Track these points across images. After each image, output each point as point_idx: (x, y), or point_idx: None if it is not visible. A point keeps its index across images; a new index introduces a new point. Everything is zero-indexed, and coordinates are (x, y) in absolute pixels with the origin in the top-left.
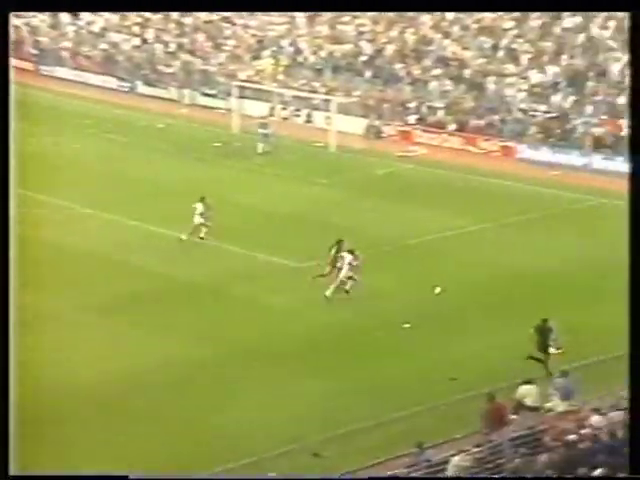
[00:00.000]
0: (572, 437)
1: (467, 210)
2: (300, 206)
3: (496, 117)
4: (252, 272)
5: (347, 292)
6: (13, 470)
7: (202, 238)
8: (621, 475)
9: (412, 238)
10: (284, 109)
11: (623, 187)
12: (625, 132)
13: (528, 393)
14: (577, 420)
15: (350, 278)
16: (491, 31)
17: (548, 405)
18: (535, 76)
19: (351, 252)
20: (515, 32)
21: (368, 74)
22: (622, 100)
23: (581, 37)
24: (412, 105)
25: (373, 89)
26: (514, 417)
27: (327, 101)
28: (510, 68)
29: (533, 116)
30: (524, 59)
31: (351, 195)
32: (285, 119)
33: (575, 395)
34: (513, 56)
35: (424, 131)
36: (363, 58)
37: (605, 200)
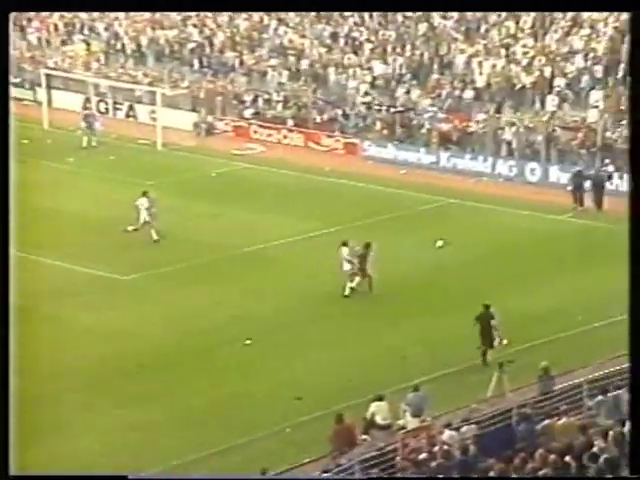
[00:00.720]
0: (423, 456)
1: (312, 213)
2: (121, 211)
3: (338, 111)
4: (69, 287)
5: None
6: (13, 470)
7: (156, 241)
8: (621, 475)
9: (251, 245)
10: (101, 101)
11: (471, 186)
12: (474, 127)
13: (379, 410)
14: (428, 437)
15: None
16: (329, 18)
17: (399, 422)
18: (378, 67)
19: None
20: (355, 20)
21: (196, 64)
22: (468, 94)
23: (423, 27)
24: (247, 98)
25: (203, 80)
26: (364, 437)
27: (151, 93)
28: (352, 59)
29: (378, 110)
30: (366, 49)
31: (181, 198)
32: (103, 113)
33: (426, 410)
34: (354, 46)
35: (261, 127)
36: (191, 45)
37: (454, 200)
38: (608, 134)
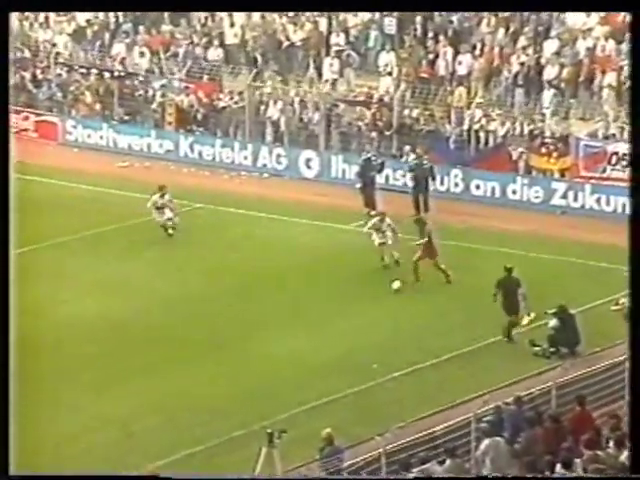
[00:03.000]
0: None
1: None
2: None
3: (25, 75)
4: None
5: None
6: (13, 470)
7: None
8: (621, 475)
9: None
10: None
11: (225, 184)
12: (225, 101)
13: None
14: None
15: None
16: None
17: None
18: (82, 15)
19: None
20: None
21: None
22: (215, 54)
23: None
24: None
25: None
26: None
27: None
28: None
29: (85, 75)
30: None
31: None
32: None
33: None
34: None
35: None
36: None
37: (200, 205)
38: (406, 112)
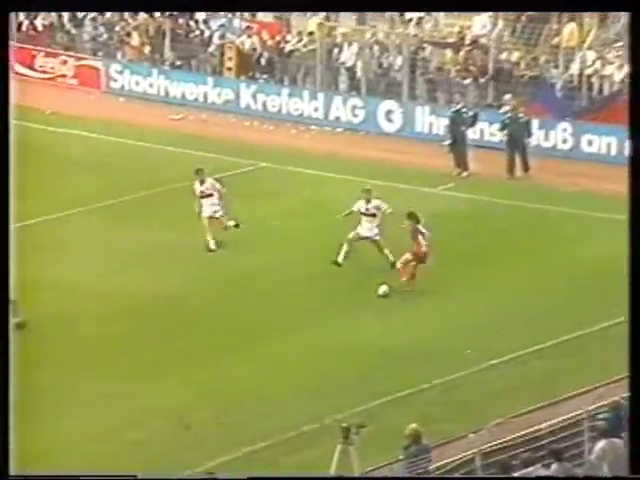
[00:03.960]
0: None
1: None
2: None
3: (62, 14)
4: None
5: None
6: (13, 470)
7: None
8: (621, 475)
9: None
10: None
11: (291, 140)
12: (293, 44)
13: None
14: None
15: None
16: None
17: None
18: None
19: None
20: None
21: None
22: None
23: None
24: None
25: None
26: None
27: None
28: None
29: (133, 15)
30: None
31: None
32: None
33: None
34: None
35: None
36: None
37: (265, 164)
38: (504, 55)
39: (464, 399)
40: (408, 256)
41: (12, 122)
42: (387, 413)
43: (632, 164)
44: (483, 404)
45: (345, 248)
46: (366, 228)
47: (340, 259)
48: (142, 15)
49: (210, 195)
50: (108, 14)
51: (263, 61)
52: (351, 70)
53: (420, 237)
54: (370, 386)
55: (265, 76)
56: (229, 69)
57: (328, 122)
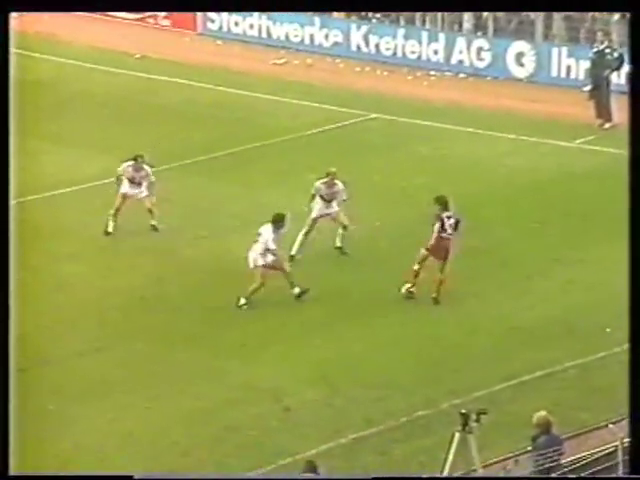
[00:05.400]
0: None
1: (110, 141)
2: None
3: None
4: None
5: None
6: (13, 470)
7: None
8: (621, 475)
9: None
10: None
11: (408, 86)
12: None
13: None
14: None
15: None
16: None
17: None
18: None
19: None
20: None
21: None
22: None
23: None
24: None
25: None
26: None
27: None
28: None
29: None
30: None
31: None
32: None
33: None
34: None
35: None
36: None
37: (376, 115)
38: None
39: (602, 384)
40: (423, 252)
41: (97, 67)
42: (513, 398)
43: (632, 164)
44: (625, 390)
45: None
46: None
47: None
48: None
49: (139, 184)
50: None
51: None
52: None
53: (437, 225)
54: (494, 367)
55: (378, 15)
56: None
57: (449, 66)
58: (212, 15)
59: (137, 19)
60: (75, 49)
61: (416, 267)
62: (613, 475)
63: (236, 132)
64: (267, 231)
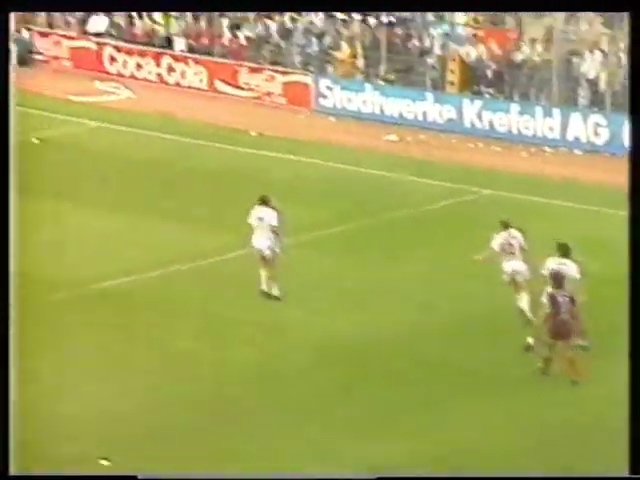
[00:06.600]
0: None
1: (224, 216)
2: None
3: (270, 25)
4: None
5: None
6: (13, 470)
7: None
8: (621, 475)
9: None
10: None
11: (522, 163)
12: (526, 52)
13: None
14: None
15: None
16: None
17: None
18: None
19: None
20: None
21: None
22: None
23: None
24: None
25: None
26: None
27: None
28: None
29: (345, 21)
30: None
31: None
32: None
33: None
34: None
35: (124, 51)
36: None
37: (489, 191)
38: None
39: None
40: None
41: (213, 144)
42: None
43: (632, 165)
44: None
45: None
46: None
47: None
48: (354, 24)
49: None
50: (318, 22)
51: (490, 74)
52: (593, 82)
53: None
54: None
55: (492, 91)
56: (451, 83)
57: (565, 142)
58: (325, 92)
59: (253, 97)
60: (192, 127)
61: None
62: (613, 475)
63: (349, 208)
64: None
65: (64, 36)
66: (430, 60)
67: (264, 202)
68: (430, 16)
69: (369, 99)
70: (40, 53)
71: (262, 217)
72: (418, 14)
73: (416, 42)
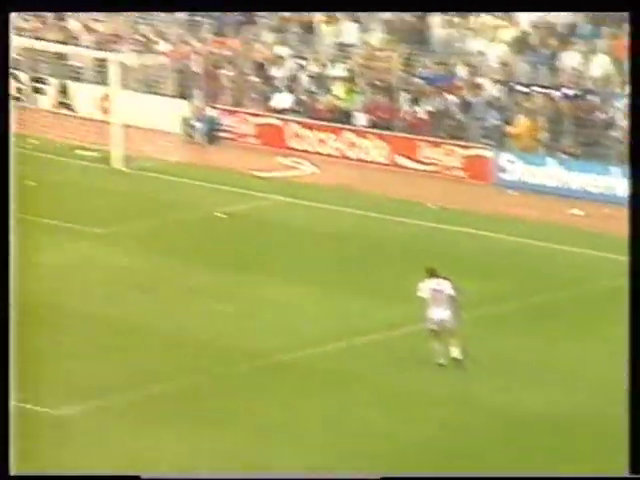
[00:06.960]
0: None
1: (401, 290)
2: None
3: (451, 99)
4: None
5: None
6: (13, 470)
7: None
8: (621, 475)
9: (291, 350)
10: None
11: None
12: None
13: None
14: None
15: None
16: None
17: None
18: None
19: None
20: None
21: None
22: None
23: None
24: (280, 74)
25: (196, 39)
26: None
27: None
28: None
29: (526, 94)
30: None
31: (162, 258)
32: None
33: None
34: None
35: (307, 127)
36: None
37: None
38: None
39: None
40: None
41: (393, 217)
42: None
43: (632, 164)
44: None
45: None
46: None
47: None
48: (538, 95)
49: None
50: (499, 94)
51: None
52: None
53: None
54: None
55: None
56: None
57: None
58: (507, 166)
59: (433, 172)
60: (373, 200)
61: None
62: (613, 475)
63: (530, 283)
64: None
65: (250, 113)
66: (615, 133)
67: (434, 274)
68: (616, 88)
69: (553, 173)
70: (227, 131)
71: (437, 288)
72: (601, 87)
73: (600, 114)
